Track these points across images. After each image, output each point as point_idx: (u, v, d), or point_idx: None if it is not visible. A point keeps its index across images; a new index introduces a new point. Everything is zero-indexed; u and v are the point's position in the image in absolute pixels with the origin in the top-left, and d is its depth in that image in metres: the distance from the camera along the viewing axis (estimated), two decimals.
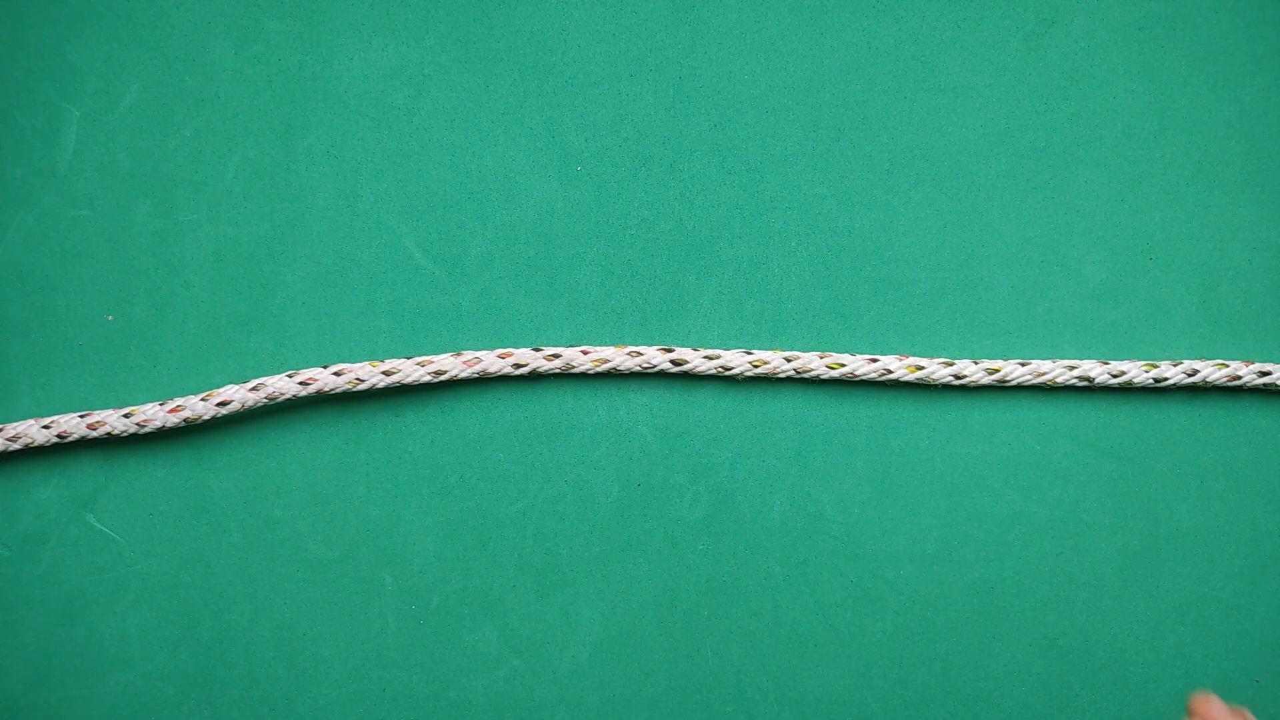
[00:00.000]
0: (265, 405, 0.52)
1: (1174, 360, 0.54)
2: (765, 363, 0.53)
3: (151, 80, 0.55)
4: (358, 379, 0.52)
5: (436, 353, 0.54)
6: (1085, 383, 0.53)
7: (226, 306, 0.54)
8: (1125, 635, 0.53)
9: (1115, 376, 0.53)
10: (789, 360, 0.53)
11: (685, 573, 0.54)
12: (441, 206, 0.55)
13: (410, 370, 0.52)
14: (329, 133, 0.55)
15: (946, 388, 0.54)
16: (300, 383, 0.51)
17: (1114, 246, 0.55)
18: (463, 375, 0.52)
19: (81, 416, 0.52)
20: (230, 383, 0.52)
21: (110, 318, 0.54)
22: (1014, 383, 0.53)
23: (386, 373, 0.52)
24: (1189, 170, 0.55)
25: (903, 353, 0.54)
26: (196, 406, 0.51)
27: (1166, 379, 0.53)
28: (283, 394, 0.51)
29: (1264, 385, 0.53)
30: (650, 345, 0.54)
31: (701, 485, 0.54)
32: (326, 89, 0.55)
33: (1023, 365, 0.53)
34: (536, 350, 0.53)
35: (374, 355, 0.54)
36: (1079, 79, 0.55)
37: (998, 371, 0.53)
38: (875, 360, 0.53)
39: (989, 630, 0.54)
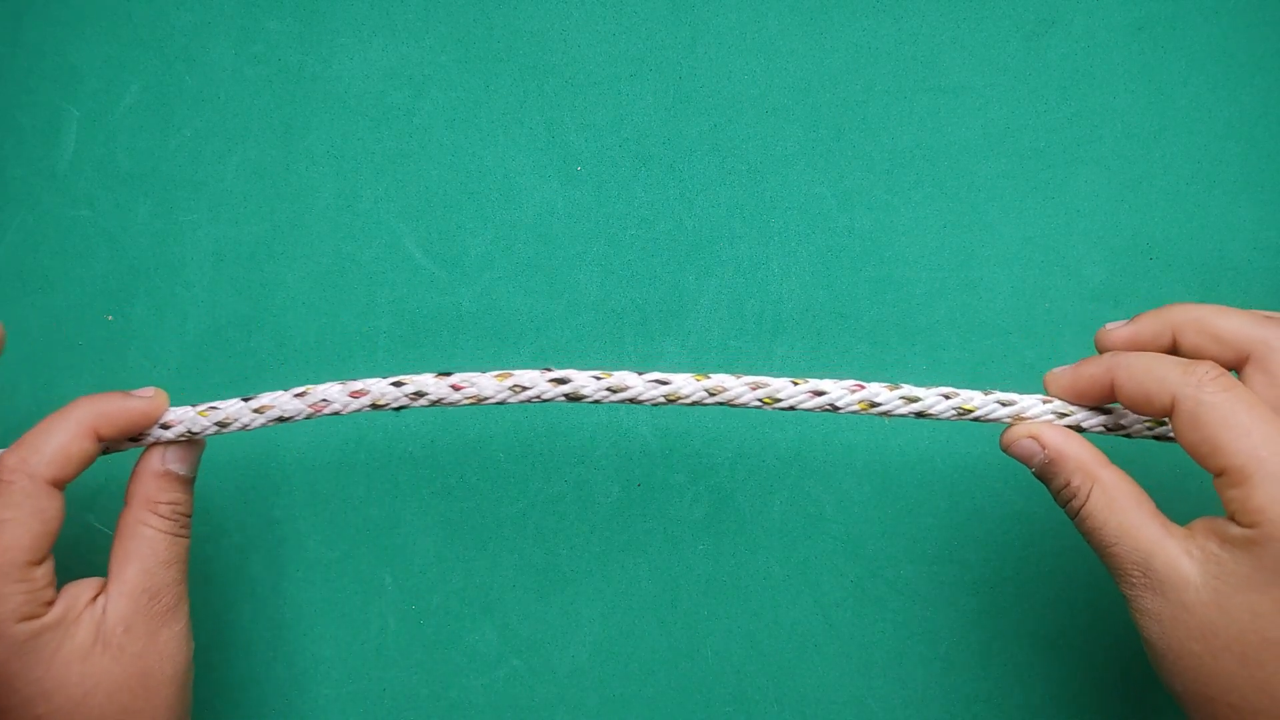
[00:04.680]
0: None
1: None
2: (723, 389, 0.45)
3: (151, 80, 0.55)
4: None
5: (437, 353, 0.54)
6: None
7: (226, 306, 0.54)
8: (1125, 635, 0.53)
9: None
10: (753, 386, 0.45)
11: (685, 573, 0.54)
12: (441, 206, 0.55)
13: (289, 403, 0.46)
14: (329, 133, 0.55)
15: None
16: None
17: (1114, 246, 0.55)
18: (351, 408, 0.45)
19: None
20: (230, 383, 0.52)
21: (110, 318, 0.54)
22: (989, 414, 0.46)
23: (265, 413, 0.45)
24: (1189, 170, 0.55)
25: (902, 353, 0.54)
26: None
27: None
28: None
29: None
30: (549, 369, 0.45)
31: (701, 485, 0.54)
32: (326, 89, 0.55)
33: (1001, 403, 0.46)
34: (396, 385, 0.44)
35: (374, 355, 0.54)
36: (1079, 79, 0.55)
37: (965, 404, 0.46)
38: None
39: (989, 630, 0.53)
